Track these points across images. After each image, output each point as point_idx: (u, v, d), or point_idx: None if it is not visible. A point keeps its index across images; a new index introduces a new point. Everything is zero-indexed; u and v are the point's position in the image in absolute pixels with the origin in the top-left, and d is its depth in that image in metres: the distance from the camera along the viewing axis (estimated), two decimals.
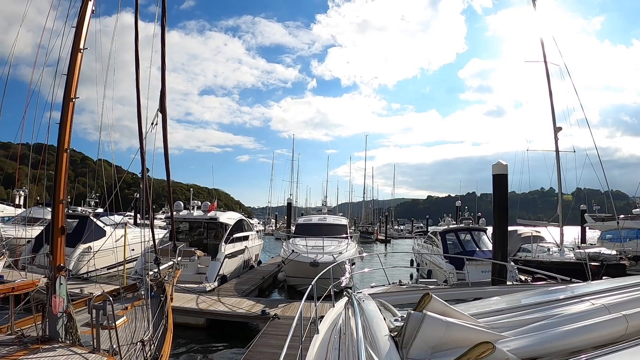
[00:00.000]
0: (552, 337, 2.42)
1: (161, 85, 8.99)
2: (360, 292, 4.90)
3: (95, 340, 5.46)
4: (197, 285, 14.72)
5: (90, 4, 6.61)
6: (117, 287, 9.42)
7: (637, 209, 25.41)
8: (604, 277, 11.20)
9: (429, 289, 5.79)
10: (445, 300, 2.75)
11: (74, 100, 6.27)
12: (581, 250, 19.02)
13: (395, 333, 2.58)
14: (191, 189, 31.16)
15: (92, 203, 25.94)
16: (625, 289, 3.20)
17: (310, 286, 5.37)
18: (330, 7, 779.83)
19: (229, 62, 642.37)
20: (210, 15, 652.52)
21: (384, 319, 3.05)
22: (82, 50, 6.45)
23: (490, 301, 4.04)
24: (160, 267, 9.25)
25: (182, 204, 21.48)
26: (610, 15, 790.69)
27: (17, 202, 26.77)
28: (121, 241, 14.27)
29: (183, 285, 13.86)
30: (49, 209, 6.50)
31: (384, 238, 63.00)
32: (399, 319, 3.06)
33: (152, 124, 8.42)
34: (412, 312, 2.45)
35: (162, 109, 8.78)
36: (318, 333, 4.70)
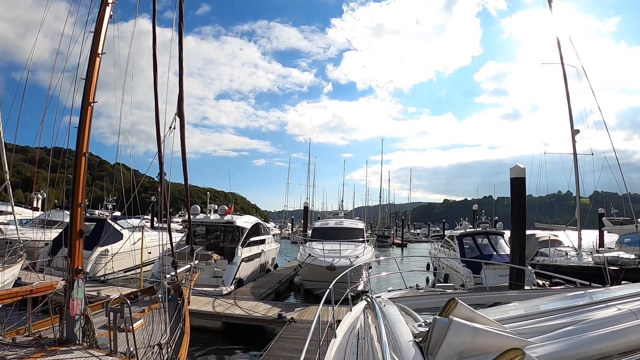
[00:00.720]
0: (580, 343, 2.38)
1: (179, 90, 9.04)
2: (379, 297, 4.85)
3: (112, 343, 5.49)
4: (213, 289, 14.77)
5: (108, 9, 6.68)
6: (135, 290, 9.48)
7: None
8: (623, 282, 11.04)
9: (447, 294, 5.73)
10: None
11: (92, 104, 6.33)
12: (599, 255, 18.70)
13: (420, 339, 2.53)
14: (208, 193, 31.24)
15: (110, 206, 26.23)
16: None
17: (328, 290, 5.33)
18: (345, 11, 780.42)
19: (245, 66, 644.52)
20: (226, 21, 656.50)
21: (407, 324, 3.00)
22: (100, 55, 6.52)
23: (511, 306, 3.97)
24: (178, 271, 9.28)
25: (199, 207, 21.59)
26: (626, 16, 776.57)
27: (35, 205, 27.10)
28: (138, 244, 14.35)
29: (200, 288, 13.92)
30: (67, 212, 6.56)
31: (400, 242, 62.68)
32: (423, 324, 3.01)
33: (169, 128, 8.46)
34: (438, 317, 2.40)
35: (180, 113, 8.82)
36: (335, 337, 4.65)
